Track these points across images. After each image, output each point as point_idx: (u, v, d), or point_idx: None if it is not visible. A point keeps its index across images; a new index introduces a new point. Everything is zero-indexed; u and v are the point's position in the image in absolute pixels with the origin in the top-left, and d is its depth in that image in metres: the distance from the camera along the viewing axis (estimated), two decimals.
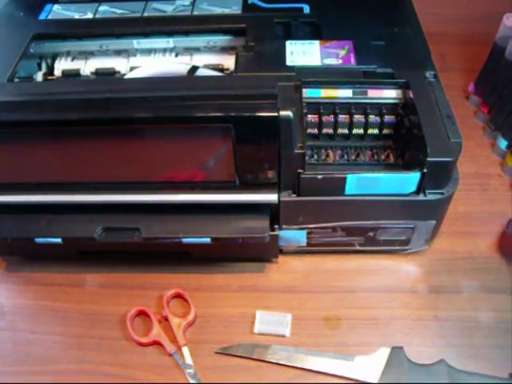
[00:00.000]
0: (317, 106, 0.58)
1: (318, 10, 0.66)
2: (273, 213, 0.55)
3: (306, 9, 0.67)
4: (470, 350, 0.53)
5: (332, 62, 0.59)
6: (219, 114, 0.48)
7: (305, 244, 0.59)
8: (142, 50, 0.68)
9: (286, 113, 0.48)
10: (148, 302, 0.57)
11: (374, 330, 0.55)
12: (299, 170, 0.52)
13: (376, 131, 0.59)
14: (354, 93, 0.58)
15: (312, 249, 0.60)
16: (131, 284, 0.59)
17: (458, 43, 0.86)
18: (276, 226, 0.56)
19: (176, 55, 0.67)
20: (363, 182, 0.52)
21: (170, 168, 0.53)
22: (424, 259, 0.60)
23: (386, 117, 0.58)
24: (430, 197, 0.53)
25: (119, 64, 0.65)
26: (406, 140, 0.57)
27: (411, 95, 0.56)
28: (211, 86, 0.53)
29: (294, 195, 0.54)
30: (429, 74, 0.58)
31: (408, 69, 0.59)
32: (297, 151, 0.50)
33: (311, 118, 0.58)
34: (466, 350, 0.53)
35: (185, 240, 0.54)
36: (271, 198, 0.53)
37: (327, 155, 0.59)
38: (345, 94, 0.58)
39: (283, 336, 0.55)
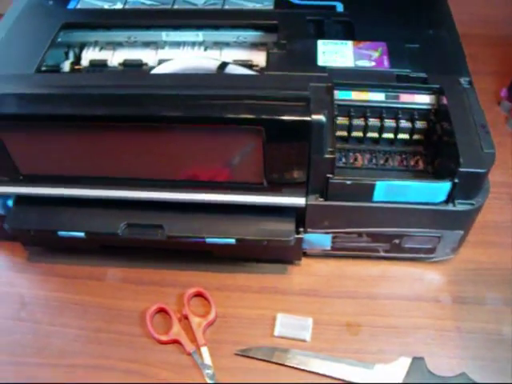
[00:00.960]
0: (347, 109, 0.57)
1: (352, 9, 0.65)
2: (299, 216, 0.54)
3: (340, 7, 0.65)
4: (493, 363, 0.53)
5: (365, 64, 0.58)
6: (250, 116, 0.47)
7: (329, 248, 0.58)
8: (170, 43, 0.67)
9: (319, 117, 0.47)
10: (168, 299, 0.57)
11: (395, 339, 0.54)
12: (328, 175, 0.51)
13: (406, 136, 0.58)
14: (386, 96, 0.57)
15: (336, 253, 0.59)
16: (152, 280, 0.59)
17: (491, 45, 0.84)
18: (301, 229, 0.55)
19: (205, 49, 0.66)
20: (392, 189, 0.51)
21: (197, 166, 0.52)
22: (448, 268, 0.59)
23: (418, 122, 0.57)
24: (459, 207, 0.52)
25: (147, 56, 0.65)
26: (436, 147, 0.56)
27: (445, 101, 0.55)
28: (242, 85, 0.52)
29: (321, 199, 0.53)
30: (463, 81, 0.57)
31: (442, 74, 0.58)
32: (327, 156, 0.50)
33: (341, 120, 0.57)
34: (488, 363, 0.53)
35: (208, 240, 0.54)
36: (299, 201, 0.52)
37: (355, 159, 0.58)
38: (376, 97, 0.57)
39: (304, 340, 0.54)
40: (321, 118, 0.47)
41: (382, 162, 0.58)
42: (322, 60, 0.58)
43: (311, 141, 0.48)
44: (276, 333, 0.55)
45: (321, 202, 0.53)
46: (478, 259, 0.60)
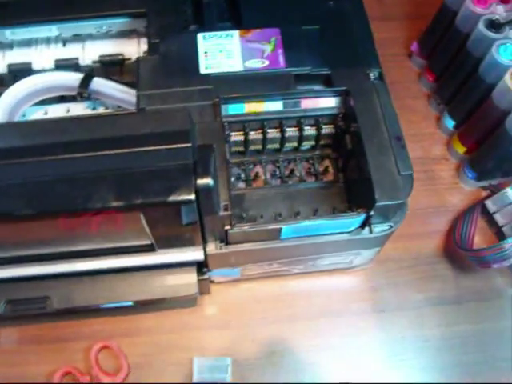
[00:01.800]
0: (241, 125, 0.49)
1: None
2: (200, 262, 0.48)
3: None
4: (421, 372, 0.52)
5: (256, 64, 0.49)
6: (120, 204, 0.38)
7: (238, 276, 0.53)
8: (19, 42, 0.54)
9: (206, 181, 0.39)
10: (74, 357, 0.52)
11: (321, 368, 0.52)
12: (226, 227, 0.44)
13: (312, 143, 0.51)
14: (284, 105, 0.49)
15: (247, 279, 0.54)
16: (52, 336, 0.53)
17: None
18: (205, 269, 0.50)
19: (64, 44, 0.55)
20: (300, 228, 0.46)
21: (80, 238, 0.44)
22: (368, 273, 0.56)
23: (324, 127, 0.50)
24: (376, 231, 0.48)
25: None
26: (346, 154, 0.50)
27: (352, 104, 0.47)
28: (106, 144, 0.40)
29: (222, 244, 0.47)
30: (373, 74, 0.49)
31: (348, 66, 0.50)
32: (222, 214, 0.42)
33: (235, 135, 0.49)
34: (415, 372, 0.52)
35: (103, 306, 0.48)
36: (196, 256, 0.46)
37: (256, 174, 0.52)
38: (274, 107, 0.49)
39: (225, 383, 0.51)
40: (208, 182, 0.39)
41: (286, 172, 0.52)
42: (205, 64, 0.49)
43: (200, 207, 0.40)
44: (194, 379, 0.51)
45: (222, 249, 0.46)
46: (399, 257, 0.57)
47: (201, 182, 0.39)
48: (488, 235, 0.58)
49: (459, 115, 0.59)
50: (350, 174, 0.50)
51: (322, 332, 0.53)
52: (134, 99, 0.48)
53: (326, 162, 0.52)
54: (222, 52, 0.49)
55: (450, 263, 0.56)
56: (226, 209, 0.43)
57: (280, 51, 0.50)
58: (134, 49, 0.55)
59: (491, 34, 0.53)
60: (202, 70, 0.48)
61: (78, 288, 0.47)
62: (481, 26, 0.53)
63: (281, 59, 0.49)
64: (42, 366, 0.52)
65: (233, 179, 0.51)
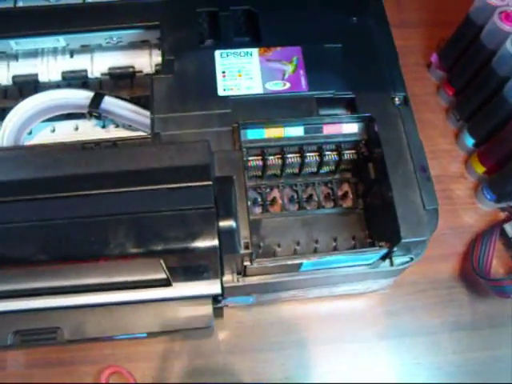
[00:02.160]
0: (260, 150, 0.47)
1: None
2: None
3: None
4: None
5: (277, 87, 0.47)
6: (140, 251, 0.36)
7: (253, 302, 0.52)
8: (24, 53, 0.51)
9: (228, 224, 0.38)
10: (84, 381, 0.51)
11: None
12: (246, 263, 0.42)
13: (332, 168, 0.50)
14: (305, 130, 0.47)
15: (261, 304, 0.53)
16: (61, 360, 0.52)
17: None
18: (220, 298, 0.48)
19: (71, 55, 0.52)
20: (320, 263, 0.44)
21: (93, 271, 0.42)
22: (384, 297, 0.55)
23: (346, 154, 0.48)
24: (396, 263, 0.46)
25: None
26: (369, 182, 0.48)
27: (376, 130, 0.46)
28: (123, 179, 0.39)
29: (239, 276, 0.45)
30: (398, 99, 0.47)
31: (372, 90, 0.47)
32: (242, 252, 0.41)
33: (253, 159, 0.47)
34: None
35: (116, 337, 0.46)
36: (213, 289, 0.44)
37: (273, 199, 0.50)
38: (294, 132, 0.47)
39: None
40: (231, 224, 0.38)
41: (304, 197, 0.50)
42: (223, 86, 0.47)
43: (220, 247, 0.39)
44: None
45: (239, 282, 0.45)
46: (415, 280, 0.55)
47: (223, 224, 0.37)
48: (505, 258, 0.57)
49: (480, 134, 0.57)
50: (372, 202, 0.49)
51: (336, 358, 0.52)
52: (147, 121, 0.46)
53: (346, 187, 0.51)
54: (240, 72, 0.47)
55: (466, 287, 0.55)
56: (246, 247, 0.41)
57: (302, 72, 0.47)
58: (145, 61, 0.52)
59: None
60: (220, 92, 0.46)
61: (89, 319, 0.45)
62: (508, 46, 0.51)
63: (303, 81, 0.47)
64: None
65: (249, 203, 0.49)
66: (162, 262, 0.38)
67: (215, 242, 0.36)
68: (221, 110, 0.45)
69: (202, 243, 0.36)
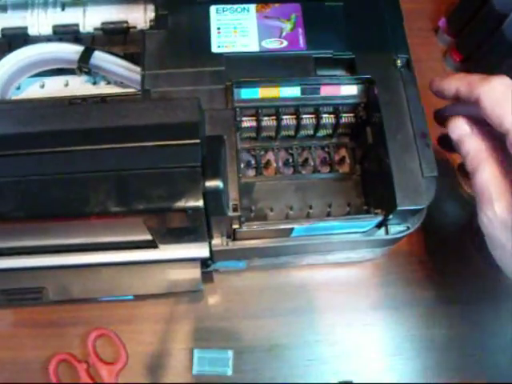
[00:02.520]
0: (254, 110, 0.45)
1: None
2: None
3: None
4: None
5: (274, 44, 0.45)
6: (121, 210, 0.35)
7: (244, 267, 0.51)
8: (13, 4, 0.49)
9: (215, 184, 0.36)
10: (71, 343, 0.50)
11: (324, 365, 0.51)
12: (235, 226, 0.41)
13: (329, 131, 0.48)
14: (302, 91, 0.45)
15: (253, 269, 0.52)
16: (49, 320, 0.51)
17: None
18: (209, 262, 0.47)
19: (63, 8, 0.50)
20: (313, 228, 0.43)
21: (77, 230, 0.41)
22: (379, 267, 0.53)
23: (344, 117, 0.46)
24: (392, 232, 0.45)
25: None
26: (366, 147, 0.46)
27: (376, 93, 0.44)
28: (107, 135, 0.37)
29: (228, 240, 0.44)
30: (400, 61, 0.45)
31: (373, 50, 0.45)
32: (230, 214, 0.39)
33: (246, 120, 0.46)
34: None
35: (102, 299, 0.45)
36: (201, 253, 0.43)
37: (268, 162, 0.48)
38: (290, 92, 0.45)
39: (225, 375, 0.50)
40: (217, 185, 0.36)
41: (300, 161, 0.48)
42: (217, 42, 0.45)
43: (207, 208, 0.37)
44: (194, 371, 0.50)
45: (229, 245, 0.43)
46: (411, 250, 0.54)
47: (209, 184, 0.36)
48: None
49: None
50: (369, 168, 0.47)
51: (327, 327, 0.51)
52: (138, 77, 0.44)
53: (343, 152, 0.49)
54: (236, 29, 0.45)
55: (462, 261, 0.54)
56: (235, 209, 0.39)
57: (300, 30, 0.45)
58: (139, 16, 0.50)
59: None
60: (214, 49, 0.44)
61: (75, 280, 0.45)
62: None
63: (301, 40, 0.45)
64: (38, 351, 0.50)
65: (242, 166, 0.48)
66: (145, 222, 0.36)
67: (200, 203, 0.34)
68: (214, 68, 0.44)
69: (186, 203, 0.34)
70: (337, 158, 0.49)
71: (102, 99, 0.43)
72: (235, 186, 0.40)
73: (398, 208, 0.41)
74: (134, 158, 0.36)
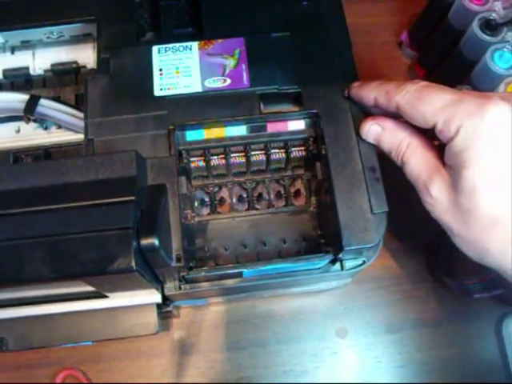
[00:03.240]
0: (201, 151, 0.44)
1: None
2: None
3: None
4: None
5: (216, 84, 0.44)
6: (56, 276, 0.34)
7: (205, 303, 0.51)
8: None
9: (150, 241, 0.35)
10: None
11: None
12: (182, 274, 0.41)
13: (281, 165, 0.47)
14: (248, 129, 0.44)
15: (217, 303, 0.52)
16: (18, 362, 0.52)
17: None
18: (167, 302, 0.47)
19: (12, 52, 0.50)
20: (263, 270, 0.42)
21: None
22: (346, 294, 0.53)
23: (294, 151, 0.45)
24: (347, 267, 0.44)
25: None
26: (317, 182, 0.45)
27: (323, 127, 0.43)
28: (45, 197, 0.37)
29: (181, 283, 0.43)
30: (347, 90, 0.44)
31: (321, 82, 0.44)
32: (174, 265, 0.39)
33: (195, 160, 0.45)
34: None
35: (62, 345, 0.46)
36: (153, 299, 0.43)
37: (222, 199, 0.48)
38: (236, 131, 0.44)
39: None
40: (153, 242, 0.36)
41: (255, 195, 0.48)
42: (160, 85, 0.44)
43: (148, 262, 0.37)
44: None
45: (181, 290, 0.43)
46: (378, 275, 0.53)
47: (145, 242, 0.35)
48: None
49: None
50: (322, 202, 0.46)
51: (294, 357, 0.51)
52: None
53: (298, 184, 0.48)
54: (178, 69, 0.44)
55: (429, 283, 0.53)
56: (178, 259, 0.39)
57: (244, 66, 0.44)
58: (89, 55, 0.50)
59: (486, 37, 0.47)
60: (157, 92, 0.44)
61: (33, 328, 0.45)
62: (475, 27, 0.47)
63: (244, 76, 0.44)
64: None
65: (196, 204, 0.47)
66: (85, 281, 0.36)
67: (132, 264, 0.34)
68: (156, 112, 0.43)
69: (119, 266, 0.34)
70: (292, 190, 0.48)
71: (46, 151, 0.43)
72: (178, 235, 0.40)
73: (345, 248, 0.40)
74: (68, 220, 0.36)
